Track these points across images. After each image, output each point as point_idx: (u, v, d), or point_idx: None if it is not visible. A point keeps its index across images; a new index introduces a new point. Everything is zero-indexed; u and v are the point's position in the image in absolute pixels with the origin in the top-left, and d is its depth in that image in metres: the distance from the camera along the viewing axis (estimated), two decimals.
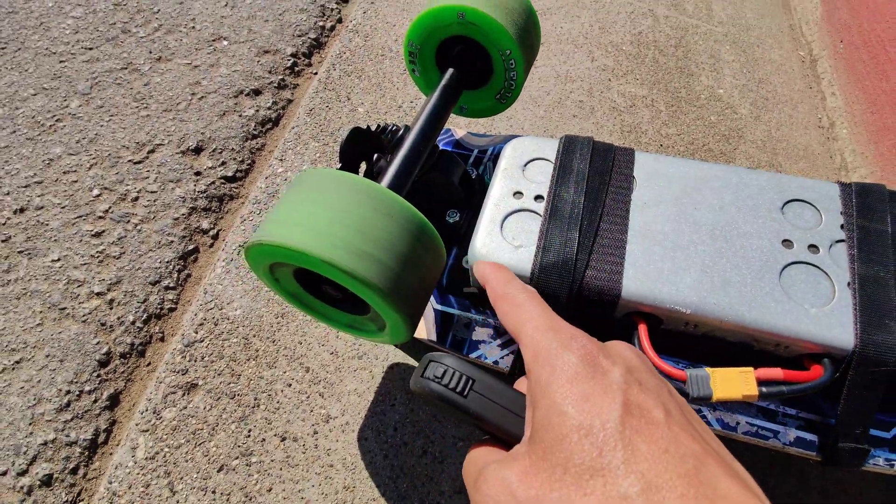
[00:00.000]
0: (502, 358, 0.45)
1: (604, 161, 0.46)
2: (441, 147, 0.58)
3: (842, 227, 0.41)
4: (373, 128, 0.51)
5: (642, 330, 0.39)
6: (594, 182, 0.45)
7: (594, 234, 0.42)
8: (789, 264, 0.39)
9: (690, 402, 0.37)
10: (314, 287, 0.39)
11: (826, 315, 0.37)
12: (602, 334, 0.37)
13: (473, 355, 0.46)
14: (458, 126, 0.68)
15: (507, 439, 0.23)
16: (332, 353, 0.52)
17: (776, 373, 0.36)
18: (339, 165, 0.49)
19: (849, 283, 0.38)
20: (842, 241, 0.41)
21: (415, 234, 0.35)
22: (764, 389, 0.36)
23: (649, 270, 0.40)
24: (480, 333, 0.47)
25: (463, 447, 0.47)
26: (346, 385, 0.50)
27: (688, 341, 0.41)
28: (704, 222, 0.42)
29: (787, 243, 0.41)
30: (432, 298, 0.49)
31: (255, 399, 0.50)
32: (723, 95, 0.80)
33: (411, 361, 0.52)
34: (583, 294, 0.40)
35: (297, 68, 0.76)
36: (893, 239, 0.40)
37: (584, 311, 0.41)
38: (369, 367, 0.51)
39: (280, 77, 0.75)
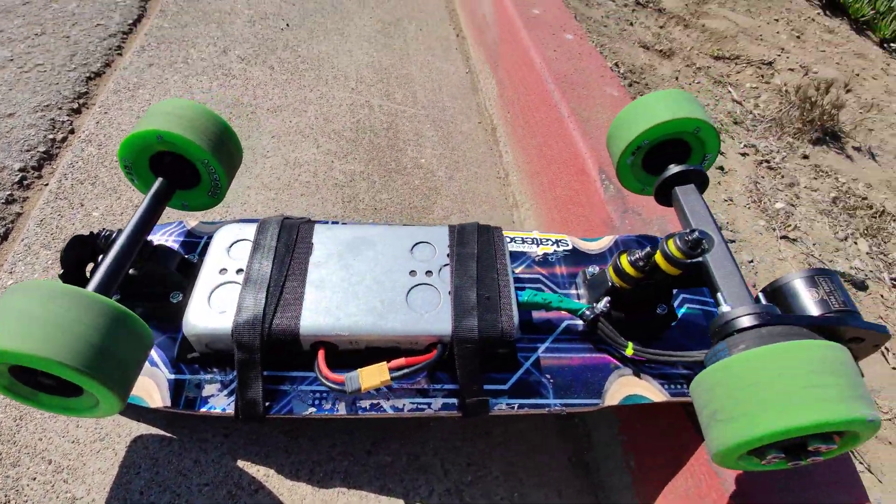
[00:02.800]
0: (229, 405, 0.56)
1: (290, 235, 0.61)
2: (173, 238, 0.68)
3: (448, 255, 0.62)
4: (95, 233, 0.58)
5: (320, 354, 0.53)
6: (281, 252, 0.60)
7: (280, 293, 0.56)
8: (413, 287, 0.58)
9: (348, 395, 0.52)
10: (30, 379, 0.45)
11: (435, 316, 0.56)
12: (295, 362, 0.53)
13: (204, 409, 0.55)
14: (194, 217, 0.78)
15: None
16: (73, 442, 0.56)
17: (400, 361, 0.52)
18: (62, 271, 0.56)
19: (449, 292, 0.58)
20: (447, 265, 0.61)
21: (114, 323, 0.44)
22: (395, 374, 0.52)
23: (319, 311, 0.55)
24: (210, 389, 0.56)
25: (208, 490, 0.56)
26: (89, 467, 0.55)
27: (358, 355, 0.56)
28: (359, 269, 0.59)
29: (412, 273, 0.59)
30: (164, 369, 0.57)
31: (6, 496, 0.52)
32: (424, 163, 1.04)
33: (155, 431, 0.59)
34: (273, 338, 0.53)
35: (25, 181, 0.79)
36: (478, 257, 0.61)
37: (278, 349, 0.54)
38: (112, 446, 0.57)
39: (8, 193, 0.77)
